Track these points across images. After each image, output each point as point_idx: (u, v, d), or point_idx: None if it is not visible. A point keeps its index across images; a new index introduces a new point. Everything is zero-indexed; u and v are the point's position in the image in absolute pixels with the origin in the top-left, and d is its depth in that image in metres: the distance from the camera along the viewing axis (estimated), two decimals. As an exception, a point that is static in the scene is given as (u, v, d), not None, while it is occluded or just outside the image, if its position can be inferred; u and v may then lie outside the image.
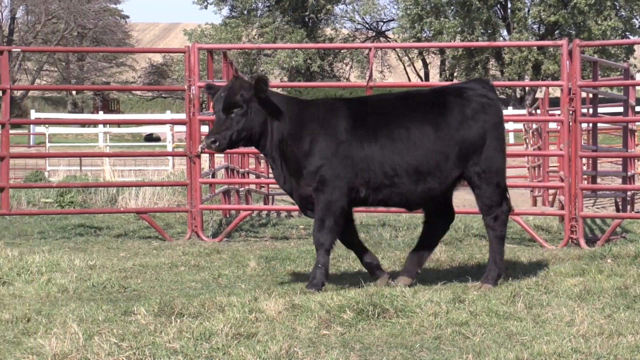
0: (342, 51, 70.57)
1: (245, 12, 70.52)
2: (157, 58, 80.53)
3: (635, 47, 62.94)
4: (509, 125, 37.62)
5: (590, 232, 13.37)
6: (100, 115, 47.64)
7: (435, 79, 71.22)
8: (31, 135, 44.14)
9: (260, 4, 71.16)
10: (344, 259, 10.57)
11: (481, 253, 11.04)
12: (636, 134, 18.22)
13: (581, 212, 12.30)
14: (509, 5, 65.87)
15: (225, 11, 72.04)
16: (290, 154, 8.65)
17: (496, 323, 7.28)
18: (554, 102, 20.01)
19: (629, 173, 15.71)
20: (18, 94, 66.66)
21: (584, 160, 13.83)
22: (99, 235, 13.39)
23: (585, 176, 13.37)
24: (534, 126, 21.46)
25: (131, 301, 8.15)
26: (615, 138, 28.84)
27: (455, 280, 9.06)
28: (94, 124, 46.43)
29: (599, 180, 15.72)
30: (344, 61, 72.91)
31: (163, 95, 76.27)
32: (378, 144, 8.61)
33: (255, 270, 10.02)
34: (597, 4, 61.76)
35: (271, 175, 12.85)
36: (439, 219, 9.14)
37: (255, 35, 70.22)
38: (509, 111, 49.55)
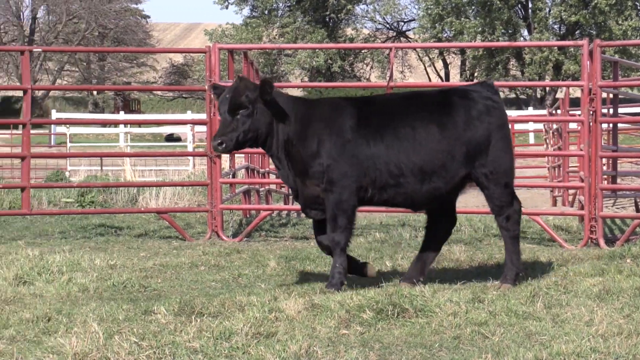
0: (363, 51, 70.59)
1: (266, 12, 70.60)
2: (178, 58, 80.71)
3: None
4: (529, 126, 37.51)
5: (610, 232, 13.36)
6: (121, 116, 47.82)
7: (455, 79, 71.15)
8: (52, 135, 44.33)
9: (281, 4, 71.22)
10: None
11: (500, 253, 11.02)
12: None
13: (601, 212, 12.28)
14: (530, 5, 65.73)
15: (246, 11, 72.22)
16: (296, 154, 8.66)
17: (515, 323, 7.28)
18: (575, 103, 19.95)
19: (650, 173, 15.66)
20: (39, 94, 66.97)
21: (604, 161, 13.79)
22: (120, 235, 13.45)
23: (605, 176, 13.33)
24: (554, 126, 21.41)
25: (151, 300, 8.18)
26: (635, 138, 28.78)
27: (475, 280, 9.07)
28: (115, 124, 46.66)
29: (619, 180, 15.63)
30: (365, 61, 72.88)
31: (184, 96, 76.42)
32: (384, 143, 8.62)
33: (275, 270, 10.05)
34: (617, 4, 61.66)
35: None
36: (441, 224, 9.12)
37: (276, 35, 70.28)
38: (529, 111, 49.54)
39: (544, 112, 38.89)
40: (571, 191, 18.29)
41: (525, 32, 66.31)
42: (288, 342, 6.52)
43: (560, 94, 51.37)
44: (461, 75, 70.90)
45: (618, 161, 15.43)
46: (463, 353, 6.53)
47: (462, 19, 64.06)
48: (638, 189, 15.86)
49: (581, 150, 12.70)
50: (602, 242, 12.04)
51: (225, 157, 15.18)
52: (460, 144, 8.72)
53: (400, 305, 7.51)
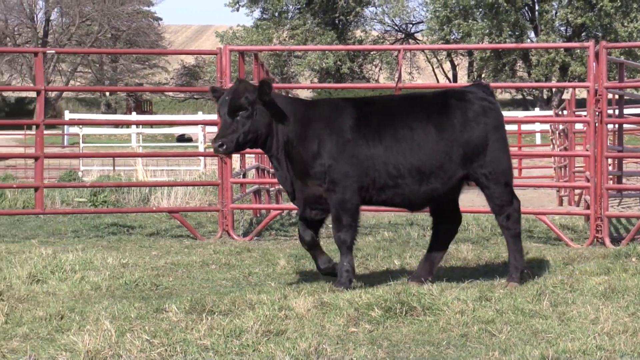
0: (372, 53, 70.61)
1: (277, 14, 70.71)
2: (190, 60, 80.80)
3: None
4: (535, 126, 37.48)
5: (615, 231, 13.39)
6: (133, 116, 47.91)
7: (463, 80, 71.13)
8: (65, 136, 44.44)
9: (291, 7, 71.32)
10: (372, 258, 10.62)
11: (507, 252, 11.07)
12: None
13: (606, 212, 12.33)
14: (537, 7, 65.97)
15: (257, 13, 72.39)
16: (297, 155, 8.68)
17: (522, 321, 7.33)
18: (581, 103, 20.00)
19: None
20: (52, 95, 67.12)
21: (610, 161, 13.83)
22: (132, 234, 13.49)
23: (610, 176, 13.38)
24: (561, 127, 21.44)
25: (163, 299, 8.22)
26: (640, 139, 28.73)
27: (482, 279, 9.11)
28: (127, 124, 46.77)
29: (624, 180, 15.70)
30: (374, 63, 72.95)
31: (195, 97, 76.50)
32: (382, 144, 8.65)
33: (284, 269, 10.07)
34: (623, 7, 61.96)
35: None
36: (447, 223, 9.16)
37: (286, 37, 70.38)
38: (536, 112, 49.54)
39: (551, 113, 38.80)
40: (577, 191, 18.33)
41: (532, 34, 66.47)
42: (298, 339, 6.57)
43: (566, 95, 51.32)
44: (469, 76, 70.90)
45: (623, 161, 15.49)
46: (470, 350, 6.57)
47: (470, 21, 64.21)
48: (643, 189, 15.90)
49: (587, 150, 12.74)
50: (607, 241, 12.08)
51: (236, 157, 15.23)
52: (458, 145, 8.75)
53: (409, 304, 7.56)
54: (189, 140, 48.58)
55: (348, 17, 71.05)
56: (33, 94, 62.95)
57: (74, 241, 12.60)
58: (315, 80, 69.38)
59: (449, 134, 8.75)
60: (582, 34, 64.63)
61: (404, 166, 8.64)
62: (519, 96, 72.66)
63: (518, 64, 67.00)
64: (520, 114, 47.99)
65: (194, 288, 9.16)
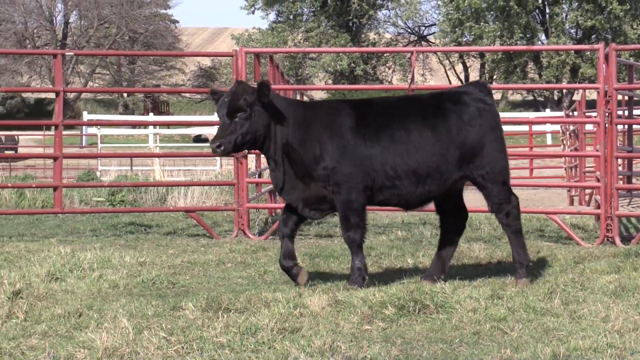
0: (385, 55, 70.58)
1: (291, 17, 70.76)
2: (206, 61, 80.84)
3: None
4: (546, 127, 37.45)
5: (626, 230, 13.44)
6: (151, 117, 48.02)
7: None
8: (83, 136, 44.69)
9: (305, 9, 71.37)
10: (385, 256, 10.66)
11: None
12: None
13: (617, 211, 12.36)
14: (547, 10, 66.15)
15: (272, 16, 72.41)
16: (298, 158, 8.70)
17: (533, 319, 7.36)
18: (591, 105, 20.01)
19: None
20: (71, 96, 67.24)
21: (620, 161, 13.88)
22: (149, 233, 13.55)
23: (620, 176, 13.43)
24: (571, 128, 21.46)
25: (180, 297, 8.26)
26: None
27: (494, 277, 9.15)
28: (145, 125, 46.88)
29: (634, 180, 15.71)
30: (387, 64, 72.92)
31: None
32: (380, 145, 8.67)
33: (300, 267, 10.12)
34: (632, 9, 62.19)
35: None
36: (454, 220, 9.18)
37: (301, 39, 70.40)
38: (546, 113, 49.56)
39: (561, 114, 38.77)
40: (587, 191, 18.35)
41: (542, 37, 66.60)
42: (312, 337, 6.61)
43: (576, 97, 51.29)
44: (480, 78, 70.87)
45: (633, 162, 15.51)
46: (483, 348, 6.60)
47: (482, 23, 64.38)
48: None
49: (597, 151, 12.78)
50: (617, 240, 12.13)
51: (252, 158, 15.29)
52: (454, 147, 8.77)
53: (422, 302, 7.60)
54: (206, 140, 48.62)
55: (361, 20, 71.02)
56: (52, 95, 63.30)
57: (92, 240, 12.66)
58: (330, 82, 69.36)
59: (445, 136, 8.77)
60: (592, 37, 64.86)
61: (400, 167, 8.68)
62: (530, 97, 72.64)
63: (529, 66, 67.05)
64: (531, 114, 47.96)
65: (210, 286, 9.19)
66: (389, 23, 74.20)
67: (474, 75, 73.61)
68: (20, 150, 40.63)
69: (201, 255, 11.06)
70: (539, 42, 65.77)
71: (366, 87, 31.43)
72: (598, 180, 12.78)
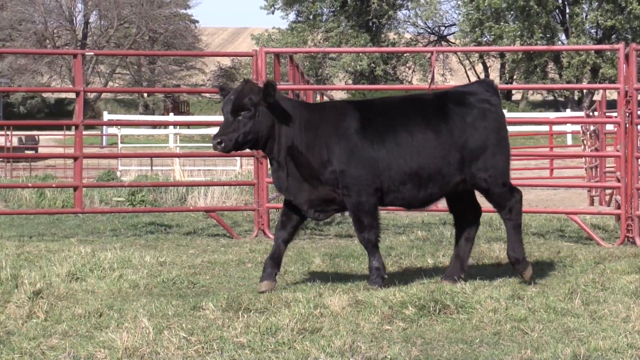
0: (405, 55, 70.56)
1: (311, 17, 70.87)
2: (226, 61, 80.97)
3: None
4: (567, 127, 37.36)
5: (646, 230, 13.39)
6: (171, 117, 48.18)
7: (495, 82, 71.13)
8: (104, 136, 44.82)
9: (325, 10, 71.47)
10: (405, 257, 10.65)
11: (539, 251, 11.11)
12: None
13: (637, 212, 12.34)
14: (567, 10, 66.13)
15: (292, 16, 72.59)
16: (303, 160, 8.66)
17: (554, 319, 7.35)
18: (611, 105, 19.95)
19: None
20: (91, 96, 67.51)
21: (640, 161, 13.85)
22: (169, 232, 13.60)
23: (640, 176, 13.41)
24: (592, 128, 21.41)
25: (200, 297, 8.27)
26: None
27: (514, 277, 9.13)
28: (165, 125, 46.96)
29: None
30: (407, 65, 72.94)
31: (232, 97, 76.43)
32: (385, 147, 8.64)
33: (319, 267, 10.10)
34: (652, 9, 61.96)
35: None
36: (467, 218, 9.15)
37: (321, 39, 70.50)
38: (567, 113, 49.46)
39: (582, 114, 38.64)
40: (608, 191, 18.32)
41: (562, 37, 66.63)
42: (332, 337, 6.61)
43: (597, 97, 51.12)
44: (500, 78, 70.89)
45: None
46: (503, 348, 6.60)
47: (502, 23, 64.39)
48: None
49: (617, 151, 12.77)
50: (638, 240, 12.13)
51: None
52: (456, 150, 8.74)
53: (442, 302, 7.60)
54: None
55: (381, 20, 71.06)
56: (72, 95, 63.46)
57: (112, 240, 12.71)
58: (350, 82, 69.41)
59: (448, 138, 8.73)
60: (612, 36, 64.87)
61: (404, 170, 8.65)
62: (551, 97, 72.54)
63: (549, 66, 67.06)
64: (551, 115, 47.85)
65: (231, 286, 9.21)
66: (408, 23, 74.32)
67: (494, 75, 73.54)
68: (41, 150, 40.78)
69: (221, 255, 11.08)
70: (559, 42, 65.81)
71: (386, 87, 31.54)
72: (618, 181, 12.76)
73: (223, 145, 8.56)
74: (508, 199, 8.95)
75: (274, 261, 8.89)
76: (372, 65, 68.50)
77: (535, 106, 73.18)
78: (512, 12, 65.13)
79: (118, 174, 27.67)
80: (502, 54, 68.46)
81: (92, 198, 17.07)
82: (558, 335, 6.92)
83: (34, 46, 69.11)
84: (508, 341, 6.83)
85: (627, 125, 12.40)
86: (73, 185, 13.59)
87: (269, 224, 13.19)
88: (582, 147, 24.14)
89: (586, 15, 65.56)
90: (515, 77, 68.33)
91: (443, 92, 9.33)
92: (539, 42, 63.29)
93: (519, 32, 63.78)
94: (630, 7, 61.74)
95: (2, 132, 34.58)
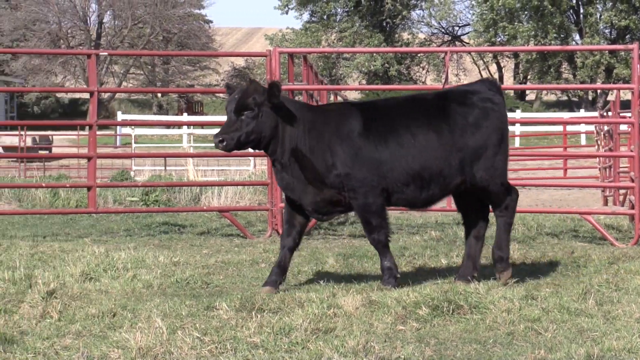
0: (419, 55, 70.56)
1: (325, 17, 70.91)
2: (240, 62, 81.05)
3: None
4: (581, 127, 37.31)
5: (660, 230, 13.37)
6: (185, 117, 48.26)
7: (509, 82, 71.49)
8: (118, 136, 44.90)
9: (339, 10, 71.49)
10: (419, 257, 10.65)
11: (553, 251, 11.10)
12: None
13: (651, 212, 12.32)
14: (582, 10, 66.08)
15: (306, 16, 72.56)
16: (307, 164, 8.63)
17: (567, 319, 7.34)
18: (625, 105, 19.90)
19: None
20: (105, 96, 67.63)
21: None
22: (183, 232, 13.61)
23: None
24: (606, 128, 21.38)
25: (213, 297, 8.28)
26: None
27: (528, 278, 9.14)
28: (179, 125, 47.04)
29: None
30: (421, 65, 72.92)
31: (246, 97, 76.43)
32: (388, 149, 8.62)
33: (333, 267, 10.10)
34: (667, 9, 61.94)
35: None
36: (476, 217, 9.12)
37: (335, 39, 70.52)
38: (581, 113, 49.42)
39: (596, 114, 38.54)
40: (622, 191, 18.29)
41: (576, 37, 66.59)
42: (346, 337, 6.61)
43: (611, 97, 51.01)
44: (514, 78, 70.85)
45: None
46: (517, 349, 6.59)
47: (516, 23, 64.43)
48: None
49: (632, 151, 12.75)
50: (652, 240, 12.12)
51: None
52: (457, 150, 8.72)
53: (456, 302, 7.59)
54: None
55: (395, 20, 71.03)
56: (86, 95, 63.67)
57: (126, 240, 12.73)
58: (364, 82, 69.43)
59: (449, 139, 8.71)
60: (627, 36, 64.81)
61: (406, 171, 8.64)
62: (565, 97, 72.40)
63: (563, 66, 67.03)
64: (565, 115, 47.76)
65: (244, 286, 9.20)
66: (422, 23, 74.31)
67: (508, 76, 73.47)
68: (55, 150, 40.89)
69: (235, 255, 11.08)
70: (573, 42, 65.81)
71: (400, 87, 31.52)
72: (632, 181, 12.73)
73: (225, 144, 8.55)
74: (505, 198, 8.96)
75: (280, 269, 8.90)
76: (386, 65, 68.51)
77: (549, 106, 73.05)
78: (526, 12, 65.13)
79: (132, 174, 27.74)
80: (516, 54, 68.46)
81: (105, 198, 17.10)
82: (572, 336, 6.91)
83: (48, 46, 69.24)
84: (521, 341, 6.82)
85: (641, 126, 12.37)
86: (87, 185, 13.62)
87: (282, 223, 13.17)
88: (596, 147, 24.12)
89: (600, 15, 65.55)
90: (529, 77, 68.31)
91: (445, 92, 9.31)
92: (552, 42, 63.26)
93: (533, 32, 63.77)
94: (645, 7, 61.78)
95: (16, 132, 34.71)
